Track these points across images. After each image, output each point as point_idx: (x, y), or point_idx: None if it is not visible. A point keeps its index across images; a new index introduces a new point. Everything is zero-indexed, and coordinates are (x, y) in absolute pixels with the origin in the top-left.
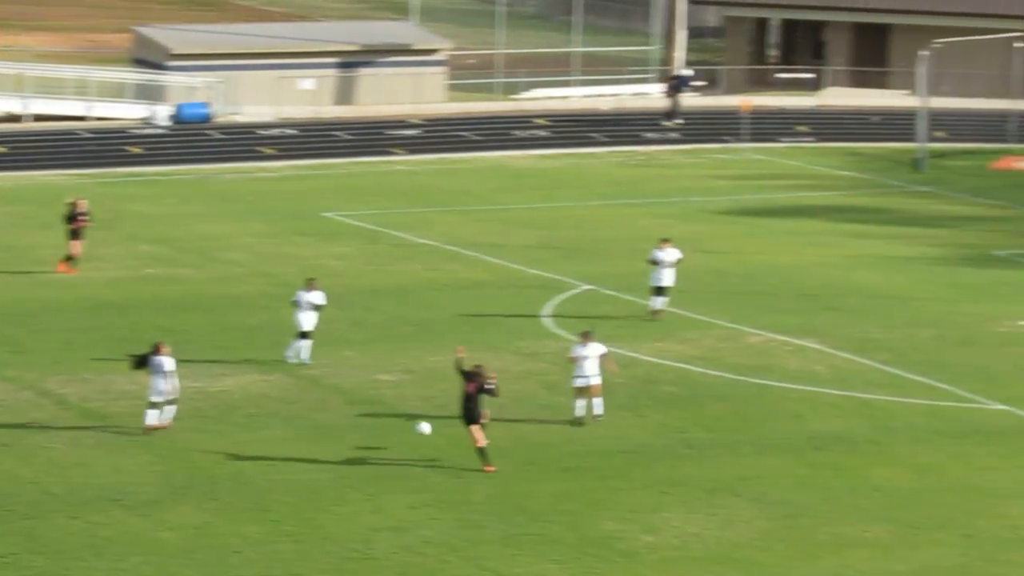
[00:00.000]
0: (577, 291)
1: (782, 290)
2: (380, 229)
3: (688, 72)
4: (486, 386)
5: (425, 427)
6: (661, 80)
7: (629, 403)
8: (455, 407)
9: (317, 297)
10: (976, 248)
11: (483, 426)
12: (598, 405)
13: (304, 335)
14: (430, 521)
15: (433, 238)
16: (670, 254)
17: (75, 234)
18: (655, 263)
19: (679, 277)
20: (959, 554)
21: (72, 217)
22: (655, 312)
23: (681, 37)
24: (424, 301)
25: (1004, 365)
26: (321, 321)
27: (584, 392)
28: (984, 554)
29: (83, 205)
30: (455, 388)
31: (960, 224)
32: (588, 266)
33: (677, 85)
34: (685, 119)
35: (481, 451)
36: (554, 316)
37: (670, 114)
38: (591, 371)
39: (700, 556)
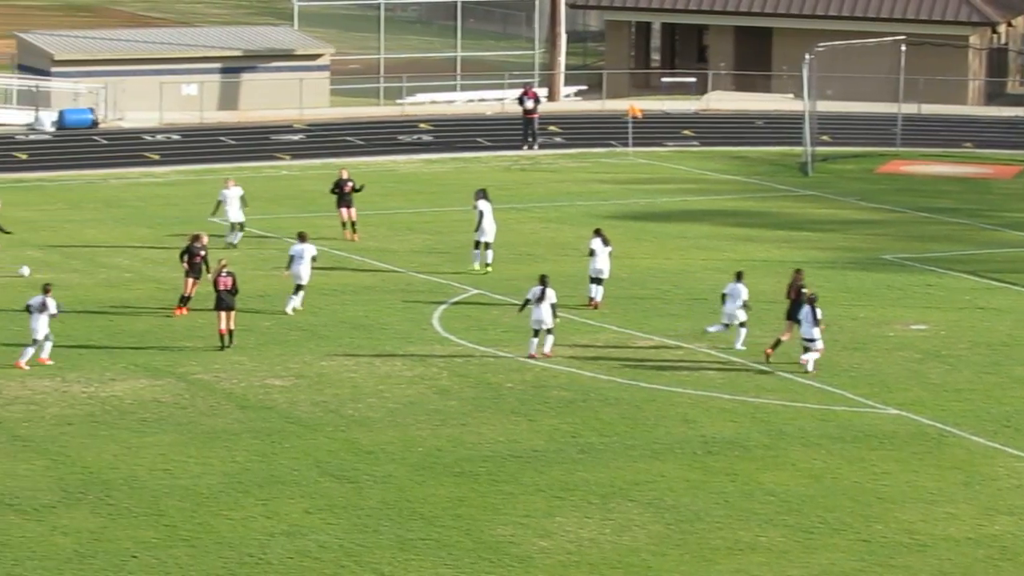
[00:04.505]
0: (466, 296)
1: (671, 294)
2: (267, 234)
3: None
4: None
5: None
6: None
7: (520, 407)
8: (346, 410)
9: (311, 249)
10: (864, 252)
11: None
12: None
13: (299, 288)
14: (325, 526)
15: (320, 243)
16: (604, 246)
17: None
18: (592, 253)
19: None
20: (856, 559)
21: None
22: (591, 299)
23: (563, 42)
24: (313, 306)
25: (895, 369)
26: (212, 327)
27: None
28: (880, 559)
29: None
30: (346, 392)
31: (848, 228)
32: (476, 271)
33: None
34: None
35: None
36: (443, 321)
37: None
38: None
39: (595, 561)
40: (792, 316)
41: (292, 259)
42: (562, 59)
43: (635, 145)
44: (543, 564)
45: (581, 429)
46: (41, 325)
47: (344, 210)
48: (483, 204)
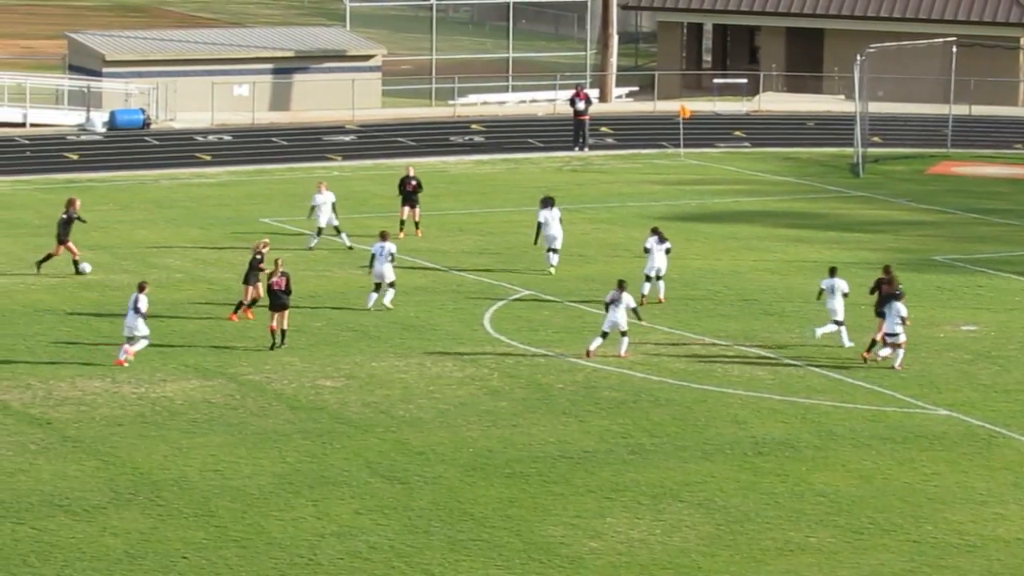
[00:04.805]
0: (517, 296)
1: (722, 295)
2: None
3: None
4: None
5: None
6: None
7: (571, 408)
8: (397, 411)
9: (391, 247)
10: (915, 253)
11: None
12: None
13: (390, 284)
14: (375, 527)
15: (371, 243)
16: (660, 244)
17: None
18: (647, 251)
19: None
20: (906, 559)
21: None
22: (643, 297)
23: (615, 43)
24: (363, 306)
25: (946, 370)
26: (263, 326)
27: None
28: (930, 559)
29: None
30: (396, 393)
31: (898, 229)
32: (527, 271)
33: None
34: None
35: None
36: (494, 322)
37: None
38: None
39: (646, 562)
40: (882, 312)
41: (374, 257)
42: (614, 60)
43: (686, 146)
44: (593, 565)
45: (632, 430)
46: (140, 323)
47: (407, 208)
48: (543, 214)
